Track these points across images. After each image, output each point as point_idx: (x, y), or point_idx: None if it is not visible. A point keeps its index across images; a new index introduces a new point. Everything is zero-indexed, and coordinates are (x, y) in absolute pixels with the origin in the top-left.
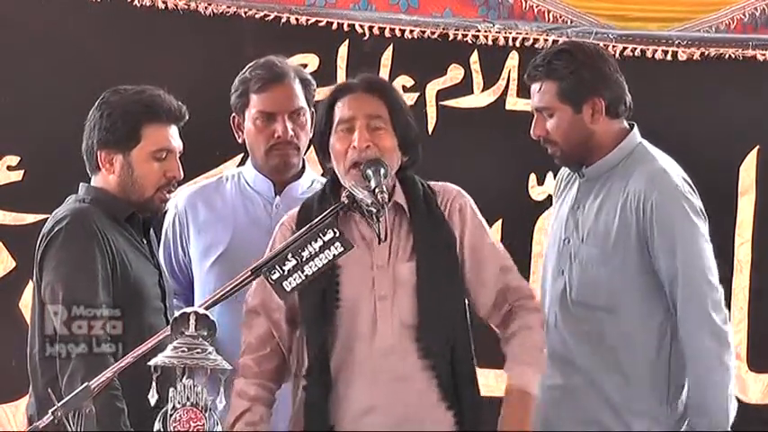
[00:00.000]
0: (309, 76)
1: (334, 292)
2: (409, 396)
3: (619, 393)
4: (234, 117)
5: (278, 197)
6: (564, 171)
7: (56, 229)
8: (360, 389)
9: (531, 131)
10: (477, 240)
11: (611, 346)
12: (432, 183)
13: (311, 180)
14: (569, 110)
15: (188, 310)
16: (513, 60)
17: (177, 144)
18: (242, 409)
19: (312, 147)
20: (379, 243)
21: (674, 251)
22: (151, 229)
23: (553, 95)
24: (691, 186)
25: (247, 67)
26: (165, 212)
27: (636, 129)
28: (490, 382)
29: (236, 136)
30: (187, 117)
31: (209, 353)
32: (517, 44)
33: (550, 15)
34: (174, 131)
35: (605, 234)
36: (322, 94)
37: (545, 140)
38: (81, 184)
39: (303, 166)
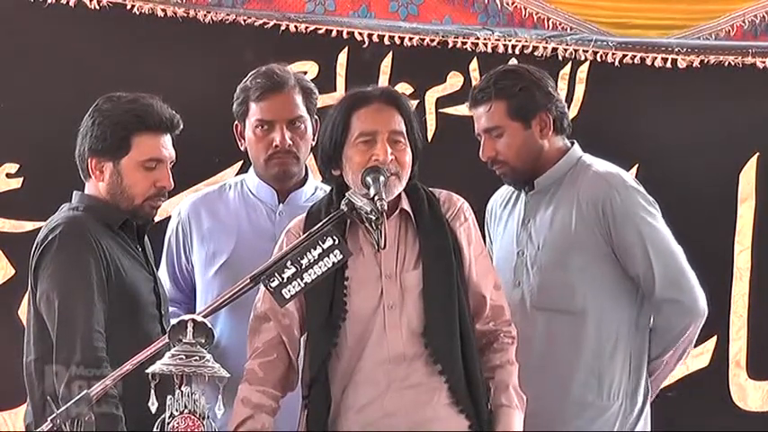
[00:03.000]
0: (312, 85)
1: (342, 303)
2: (421, 402)
3: (589, 392)
4: (236, 125)
5: (281, 205)
6: (494, 200)
7: (50, 238)
8: (372, 398)
9: (480, 154)
10: (478, 254)
11: (578, 346)
12: (434, 189)
13: (314, 187)
14: (520, 126)
15: (186, 317)
16: None
17: (169, 154)
18: (244, 416)
19: (312, 154)
20: (378, 251)
21: (643, 245)
22: (146, 237)
23: (503, 114)
24: (638, 183)
25: (249, 74)
26: (162, 220)
27: (577, 144)
28: None
29: (239, 144)
30: (181, 126)
31: (207, 360)
32: (517, 51)
33: (550, 23)
34: (165, 141)
35: (563, 239)
36: (321, 101)
37: (494, 161)
38: (74, 192)
39: (306, 174)
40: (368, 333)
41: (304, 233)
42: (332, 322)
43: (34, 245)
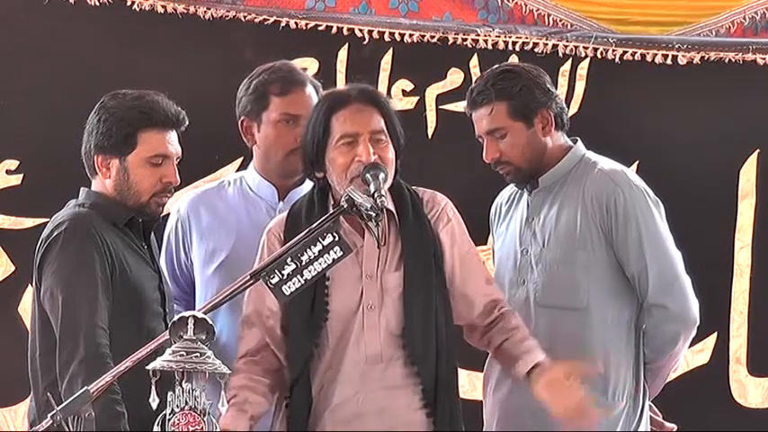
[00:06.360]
0: (318, 84)
1: (324, 303)
2: (395, 404)
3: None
4: (243, 121)
5: (281, 202)
6: (500, 199)
7: (55, 234)
8: (346, 397)
9: (484, 156)
10: (464, 252)
11: (583, 344)
12: (418, 189)
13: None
14: (523, 126)
15: (186, 313)
16: None
17: (175, 150)
18: (227, 397)
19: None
20: (378, 248)
21: (641, 246)
22: (152, 234)
23: (505, 115)
24: (642, 181)
25: (260, 71)
26: (166, 216)
27: (580, 142)
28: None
29: (246, 140)
30: (187, 122)
31: (208, 356)
32: (517, 48)
33: (550, 19)
34: (171, 137)
35: (568, 236)
36: None
37: (497, 162)
38: (81, 188)
39: None
40: (347, 333)
41: (285, 233)
42: (313, 322)
43: (39, 241)
